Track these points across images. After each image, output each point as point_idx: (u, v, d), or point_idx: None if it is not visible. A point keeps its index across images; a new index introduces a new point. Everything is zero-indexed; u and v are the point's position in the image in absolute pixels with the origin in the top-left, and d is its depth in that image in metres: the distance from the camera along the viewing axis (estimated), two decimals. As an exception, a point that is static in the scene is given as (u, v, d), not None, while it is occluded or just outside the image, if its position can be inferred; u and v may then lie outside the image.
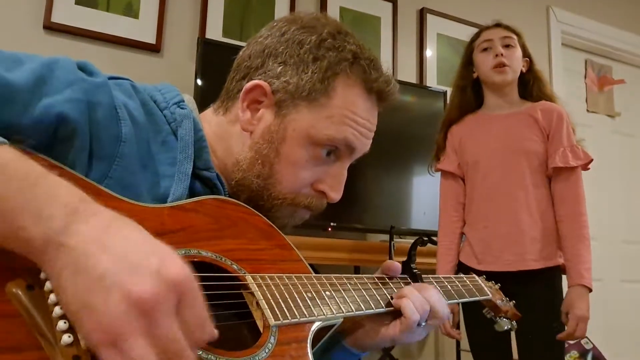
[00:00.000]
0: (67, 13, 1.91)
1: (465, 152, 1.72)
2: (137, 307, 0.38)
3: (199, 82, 1.86)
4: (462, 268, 1.69)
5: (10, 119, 0.51)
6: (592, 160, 1.61)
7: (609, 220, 3.12)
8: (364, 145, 0.76)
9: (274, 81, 0.71)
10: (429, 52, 2.62)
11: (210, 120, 0.77)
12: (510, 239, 1.59)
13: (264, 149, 0.71)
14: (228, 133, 0.75)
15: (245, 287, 0.60)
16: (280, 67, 0.72)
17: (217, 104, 0.78)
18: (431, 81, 2.59)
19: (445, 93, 2.34)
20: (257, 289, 0.60)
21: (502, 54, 1.65)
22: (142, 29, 2.03)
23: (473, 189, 1.70)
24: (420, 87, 2.49)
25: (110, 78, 0.65)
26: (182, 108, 0.70)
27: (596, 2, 3.27)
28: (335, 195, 0.75)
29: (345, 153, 0.74)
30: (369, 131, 0.75)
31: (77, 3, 1.93)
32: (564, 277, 1.58)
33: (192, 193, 0.67)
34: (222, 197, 0.69)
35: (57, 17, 1.89)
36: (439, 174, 1.81)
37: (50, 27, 1.88)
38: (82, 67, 0.61)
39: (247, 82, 0.72)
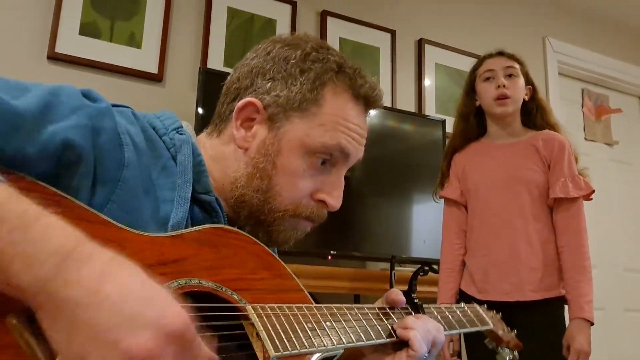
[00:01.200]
0: (71, 43, 1.94)
1: (468, 180, 1.72)
2: None
3: (200, 110, 1.88)
4: (462, 296, 1.67)
5: (17, 146, 0.51)
6: (593, 191, 1.60)
7: (609, 248, 3.11)
8: (357, 150, 0.77)
9: (264, 97, 0.73)
10: (427, 82, 2.66)
11: (205, 144, 0.78)
12: (508, 269, 1.58)
13: (261, 162, 0.72)
14: (223, 154, 0.76)
15: (246, 317, 0.60)
16: (270, 83, 0.74)
17: (210, 128, 0.80)
18: (430, 110, 2.61)
19: (444, 122, 2.36)
20: (257, 319, 0.59)
21: (504, 85, 1.65)
22: (145, 59, 2.06)
23: (474, 217, 1.70)
24: (419, 115, 2.51)
25: (113, 106, 0.66)
26: (180, 134, 0.71)
27: (591, 33, 3.32)
28: (335, 202, 0.75)
29: (341, 160, 0.75)
30: (361, 137, 0.77)
31: (81, 33, 1.96)
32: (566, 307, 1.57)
33: (191, 217, 0.68)
34: (223, 225, 0.69)
35: (60, 48, 1.92)
36: (442, 201, 1.81)
37: (54, 57, 1.91)
38: (86, 94, 0.62)
39: (239, 102, 0.74)
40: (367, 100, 0.77)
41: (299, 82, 0.73)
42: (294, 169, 0.72)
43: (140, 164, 0.63)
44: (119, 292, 0.40)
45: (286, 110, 0.72)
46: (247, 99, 0.73)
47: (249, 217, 0.73)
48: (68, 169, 0.55)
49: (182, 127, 0.73)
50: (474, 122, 1.77)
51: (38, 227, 0.42)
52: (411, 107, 2.58)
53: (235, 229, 0.68)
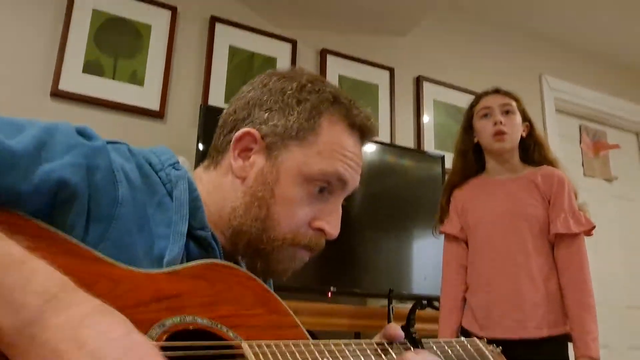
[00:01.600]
0: (74, 81, 1.97)
1: (468, 216, 1.72)
2: None
3: (201, 146, 1.89)
4: (464, 334, 1.65)
5: (11, 185, 0.51)
6: (594, 226, 1.59)
7: (612, 285, 3.07)
8: (354, 179, 0.77)
9: (262, 127, 0.74)
10: (426, 118, 2.68)
11: (202, 178, 0.78)
12: (511, 305, 1.56)
13: (259, 191, 0.72)
14: (221, 185, 0.76)
15: (242, 355, 0.59)
16: (267, 114, 0.75)
17: (207, 162, 0.80)
18: (429, 146, 2.63)
19: (442, 158, 2.38)
20: (253, 357, 0.59)
21: (501, 122, 1.66)
22: (147, 96, 2.09)
23: (474, 253, 1.69)
24: (418, 151, 2.53)
25: (108, 142, 0.67)
26: (177, 169, 0.71)
27: (587, 70, 3.37)
28: (334, 230, 0.75)
29: (338, 188, 0.75)
30: (357, 165, 0.77)
31: (84, 71, 2.00)
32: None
33: (187, 253, 0.67)
34: (218, 260, 0.69)
35: (64, 85, 1.95)
36: (442, 236, 1.80)
37: (57, 94, 1.93)
38: (81, 132, 0.63)
39: (236, 132, 0.75)
40: (363, 130, 0.78)
41: (296, 111, 0.74)
42: (292, 197, 0.72)
43: (135, 200, 0.63)
44: (97, 340, 0.40)
45: (284, 139, 0.73)
46: (245, 129, 0.74)
47: (248, 246, 0.73)
48: (62, 207, 0.56)
49: (178, 162, 0.73)
50: (472, 158, 1.78)
51: (23, 271, 0.42)
52: (410, 143, 2.60)
53: (231, 264, 0.67)
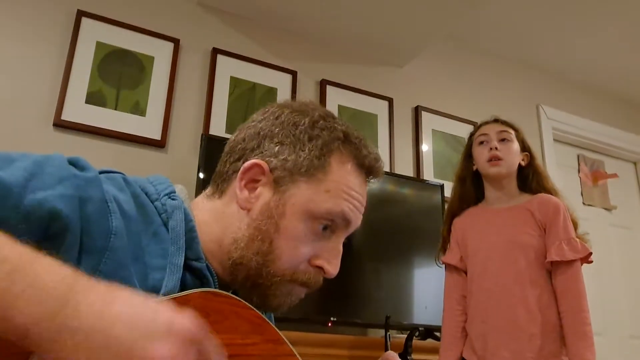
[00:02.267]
0: (77, 111, 2.00)
1: (467, 245, 1.73)
2: None
3: (201, 175, 1.91)
4: (465, 364, 1.63)
5: (1, 216, 0.51)
6: (590, 253, 1.58)
7: (614, 315, 3.05)
8: (357, 219, 0.77)
9: (271, 160, 0.74)
10: (425, 147, 2.70)
11: (203, 207, 0.77)
12: (508, 335, 1.55)
13: (264, 224, 0.72)
14: (224, 214, 0.75)
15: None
16: (278, 147, 0.74)
17: (211, 189, 0.79)
18: (428, 175, 2.64)
19: (442, 186, 2.39)
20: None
21: (496, 148, 1.69)
22: (149, 126, 2.11)
23: (472, 283, 1.68)
24: (417, 180, 2.54)
25: (103, 172, 0.66)
26: (172, 199, 0.71)
27: (584, 101, 3.41)
28: (333, 269, 0.74)
29: (341, 227, 0.75)
30: (362, 205, 0.77)
31: (87, 102, 2.03)
32: None
33: (182, 284, 0.67)
34: (213, 289, 0.68)
35: (67, 115, 1.97)
36: (444, 266, 1.80)
37: (60, 125, 1.95)
38: (74, 163, 0.62)
39: (243, 162, 0.74)
40: (370, 171, 0.79)
41: (307, 148, 0.74)
42: (296, 233, 0.72)
43: (129, 231, 0.63)
44: (127, 312, 0.42)
45: (293, 174, 0.73)
46: (254, 160, 0.74)
47: (246, 279, 0.72)
48: (54, 240, 0.55)
49: (174, 192, 0.73)
50: (471, 186, 1.80)
51: (38, 266, 0.43)
52: (409, 172, 2.62)
53: (225, 292, 0.67)
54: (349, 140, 0.76)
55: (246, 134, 0.78)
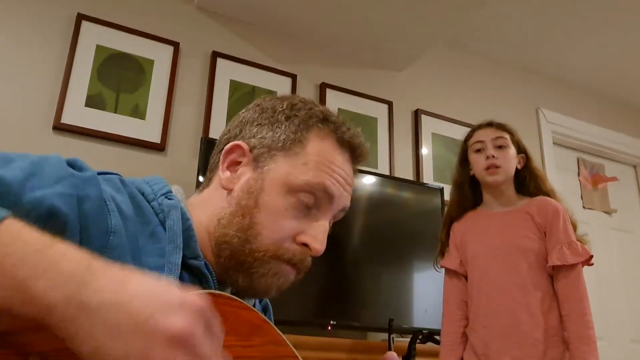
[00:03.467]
0: (76, 114, 2.00)
1: (467, 249, 1.72)
2: (181, 342, 0.42)
3: (201, 178, 1.90)
4: (465, 369, 1.63)
5: None
6: (591, 256, 1.58)
7: (614, 319, 3.04)
8: (342, 195, 0.75)
9: (251, 140, 0.76)
10: (424, 150, 2.71)
11: (195, 202, 0.78)
12: (511, 340, 1.54)
13: (243, 200, 0.72)
14: (210, 200, 0.76)
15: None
16: (256, 128, 0.76)
17: (203, 185, 0.81)
18: (427, 178, 2.64)
19: (441, 189, 2.39)
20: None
21: (493, 156, 1.68)
22: (148, 129, 2.11)
23: (472, 287, 1.68)
24: (417, 183, 2.54)
25: (100, 173, 0.66)
26: (169, 199, 0.71)
27: (583, 104, 3.41)
28: (319, 246, 0.73)
29: (325, 202, 0.74)
30: (346, 182, 0.76)
31: (87, 105, 2.03)
32: None
33: (180, 283, 0.66)
34: (213, 290, 0.68)
35: (66, 118, 1.97)
36: (443, 270, 1.79)
37: (60, 128, 1.95)
38: (72, 164, 0.63)
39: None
40: (352, 147, 0.78)
41: (284, 125, 0.75)
42: (276, 207, 0.71)
43: (127, 231, 0.63)
44: (142, 288, 0.44)
45: (270, 150, 0.74)
46: (234, 142, 0.76)
47: (230, 259, 0.71)
48: None
49: (171, 192, 0.73)
50: (468, 191, 1.79)
51: (56, 249, 0.45)
52: (409, 175, 2.62)
53: (226, 294, 0.67)
54: (327, 119, 0.77)
55: (231, 125, 0.81)
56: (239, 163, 0.75)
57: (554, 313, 1.55)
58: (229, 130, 0.80)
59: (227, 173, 0.75)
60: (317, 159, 0.74)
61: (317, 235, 0.73)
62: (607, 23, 2.83)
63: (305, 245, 0.73)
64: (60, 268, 0.44)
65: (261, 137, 0.75)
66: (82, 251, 0.47)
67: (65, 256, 0.45)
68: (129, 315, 0.42)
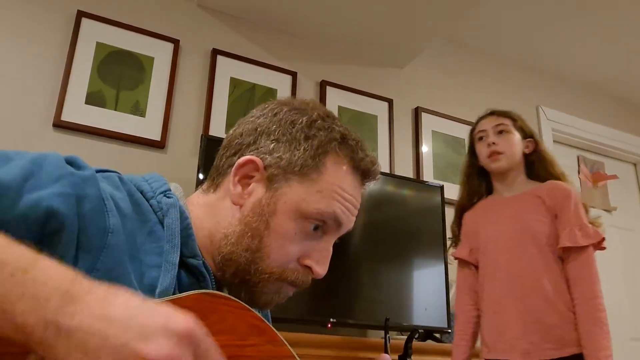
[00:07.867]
0: (77, 112, 2.00)
1: (479, 237, 1.71)
2: None
3: (201, 176, 1.90)
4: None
5: None
6: (603, 238, 1.54)
7: (614, 317, 3.00)
8: (349, 221, 0.76)
9: (266, 157, 0.74)
10: (424, 148, 2.70)
11: (197, 202, 0.78)
12: (524, 327, 1.52)
13: (254, 221, 0.72)
14: (217, 208, 0.75)
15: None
16: (273, 144, 0.74)
17: (207, 184, 0.80)
18: (428, 176, 2.64)
19: (442, 187, 2.39)
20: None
21: (493, 143, 1.69)
22: (148, 126, 2.11)
23: (484, 275, 1.67)
24: (417, 181, 2.54)
25: (99, 171, 0.66)
26: (168, 197, 0.71)
27: (583, 102, 3.41)
28: (321, 270, 0.74)
29: (332, 228, 0.75)
30: (355, 208, 0.77)
31: (87, 102, 2.03)
32: None
33: (178, 282, 0.66)
34: (211, 290, 0.68)
35: (66, 116, 1.97)
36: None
37: (60, 125, 1.95)
38: (71, 162, 0.62)
39: (239, 157, 0.74)
40: (365, 174, 0.78)
41: (303, 147, 0.74)
42: (286, 232, 0.72)
43: (126, 229, 0.63)
44: (123, 313, 0.42)
45: (286, 172, 0.73)
46: (249, 156, 0.74)
47: (234, 275, 0.72)
48: (51, 239, 0.55)
49: (169, 190, 0.73)
50: (477, 180, 1.80)
51: (37, 269, 0.44)
52: (409, 173, 2.62)
53: (224, 294, 0.67)
54: (345, 142, 0.76)
55: (244, 129, 0.78)
56: (251, 177, 0.74)
57: (566, 297, 1.52)
58: (242, 134, 0.77)
59: (239, 188, 0.74)
60: (332, 187, 0.73)
61: (320, 259, 0.74)
62: (608, 21, 2.83)
63: (308, 267, 0.74)
64: (37, 291, 0.42)
65: (278, 157, 0.73)
66: (66, 270, 0.45)
67: (47, 277, 0.43)
68: (106, 339, 0.40)
